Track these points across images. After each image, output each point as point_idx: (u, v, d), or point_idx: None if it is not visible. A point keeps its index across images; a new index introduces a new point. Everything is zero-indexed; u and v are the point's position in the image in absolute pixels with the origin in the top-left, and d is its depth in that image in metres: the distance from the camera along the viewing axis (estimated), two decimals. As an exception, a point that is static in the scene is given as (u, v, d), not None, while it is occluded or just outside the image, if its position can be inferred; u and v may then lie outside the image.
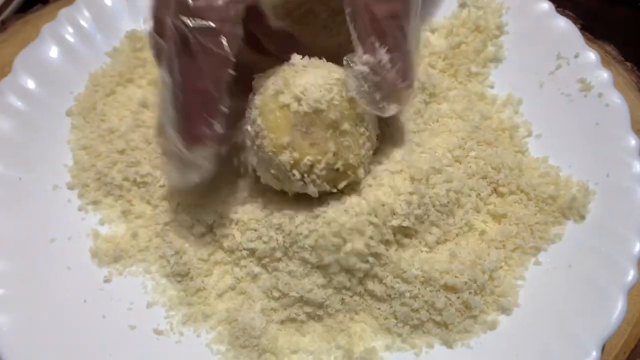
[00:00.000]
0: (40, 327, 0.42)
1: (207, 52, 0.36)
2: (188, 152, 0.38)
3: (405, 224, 0.42)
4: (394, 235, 0.42)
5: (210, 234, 0.45)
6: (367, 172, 0.43)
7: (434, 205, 0.43)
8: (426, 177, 0.43)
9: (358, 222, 0.41)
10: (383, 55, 0.37)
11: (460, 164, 0.46)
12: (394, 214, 0.42)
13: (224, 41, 0.36)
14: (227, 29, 0.36)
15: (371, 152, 0.43)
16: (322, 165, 0.39)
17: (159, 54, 0.41)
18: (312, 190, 0.41)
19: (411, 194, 0.42)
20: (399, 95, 0.40)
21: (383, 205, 0.41)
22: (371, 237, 0.41)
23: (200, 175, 0.40)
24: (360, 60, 0.38)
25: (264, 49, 0.44)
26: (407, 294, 0.41)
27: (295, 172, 0.39)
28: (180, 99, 0.37)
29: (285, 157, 0.39)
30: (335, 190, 0.42)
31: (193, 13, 0.35)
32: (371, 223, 0.41)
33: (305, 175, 0.40)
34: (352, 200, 0.42)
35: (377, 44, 0.37)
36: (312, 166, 0.39)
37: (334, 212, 0.41)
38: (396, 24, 0.38)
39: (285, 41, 0.45)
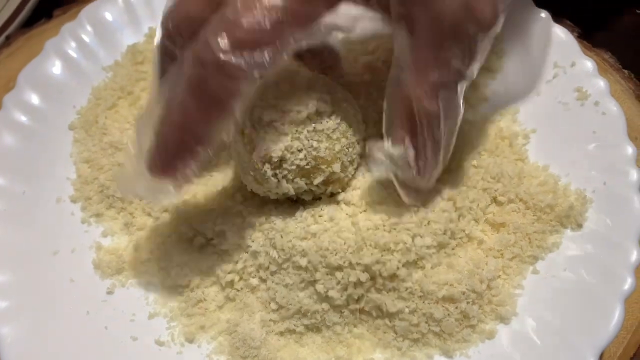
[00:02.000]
0: (43, 339, 0.42)
1: (217, 105, 0.34)
2: (152, 178, 0.37)
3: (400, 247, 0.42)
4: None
5: (210, 246, 0.45)
6: (351, 170, 0.44)
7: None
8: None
9: (352, 249, 0.41)
10: (410, 154, 0.38)
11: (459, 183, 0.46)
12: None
13: (235, 102, 0.34)
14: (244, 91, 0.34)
15: (353, 151, 0.43)
16: (291, 159, 0.40)
17: (162, 70, 0.39)
18: (286, 187, 0.41)
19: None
20: (419, 185, 0.40)
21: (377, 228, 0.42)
22: (366, 265, 0.41)
23: (163, 199, 0.39)
24: (385, 150, 0.39)
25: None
26: (406, 309, 0.42)
27: (266, 168, 0.40)
28: (166, 130, 0.36)
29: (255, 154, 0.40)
30: (316, 189, 0.43)
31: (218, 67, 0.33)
32: (366, 245, 0.41)
33: (277, 171, 0.41)
34: (342, 224, 0.42)
35: (407, 141, 0.37)
36: (281, 161, 0.40)
37: (328, 236, 0.42)
38: (432, 129, 0.37)
39: (328, 58, 0.45)
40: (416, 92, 0.36)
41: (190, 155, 0.36)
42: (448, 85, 0.36)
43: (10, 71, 0.57)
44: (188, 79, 0.34)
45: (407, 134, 0.37)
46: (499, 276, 0.43)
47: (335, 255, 0.41)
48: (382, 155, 0.39)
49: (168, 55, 0.38)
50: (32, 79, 0.53)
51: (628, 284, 0.40)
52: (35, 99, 0.52)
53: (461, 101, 0.38)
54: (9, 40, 0.62)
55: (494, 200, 0.46)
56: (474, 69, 0.37)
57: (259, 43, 0.33)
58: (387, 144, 0.39)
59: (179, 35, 0.37)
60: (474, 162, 0.47)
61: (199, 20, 0.35)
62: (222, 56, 0.32)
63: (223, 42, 0.32)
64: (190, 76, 0.34)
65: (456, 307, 0.41)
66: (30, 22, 0.64)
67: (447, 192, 0.44)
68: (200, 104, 0.34)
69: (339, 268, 0.41)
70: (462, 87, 0.37)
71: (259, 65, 0.33)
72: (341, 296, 0.42)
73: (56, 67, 0.54)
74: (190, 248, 0.45)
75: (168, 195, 0.38)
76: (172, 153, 0.36)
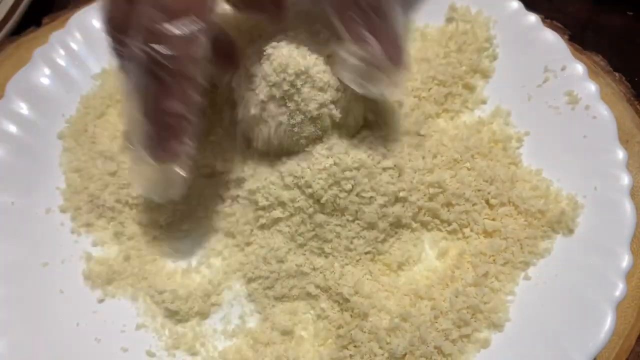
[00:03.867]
0: (34, 352, 0.42)
1: (178, 77, 0.36)
2: (158, 166, 0.39)
3: None
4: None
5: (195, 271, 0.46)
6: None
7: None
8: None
9: None
10: (373, 44, 0.38)
11: (453, 176, 0.46)
12: None
13: (192, 68, 0.36)
14: (196, 54, 0.36)
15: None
16: None
17: (124, 70, 0.40)
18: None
19: None
20: (393, 79, 0.40)
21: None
22: None
23: (175, 190, 0.41)
24: (351, 52, 0.39)
25: None
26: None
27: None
28: (151, 119, 0.37)
29: None
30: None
31: (162, 41, 0.35)
32: None
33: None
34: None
35: (365, 33, 0.37)
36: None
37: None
38: (381, 11, 0.37)
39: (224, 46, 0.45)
40: None
41: (180, 131, 0.37)
42: None
43: (-1, 80, 0.57)
44: (140, 64, 0.35)
45: (363, 27, 0.37)
46: (491, 283, 0.43)
47: None
48: (352, 57, 0.39)
49: (121, 56, 0.39)
50: (20, 88, 0.52)
51: (619, 289, 0.40)
52: (23, 109, 0.52)
53: None
54: (-3, 48, 0.61)
55: (487, 202, 0.46)
56: None
57: (190, 8, 0.35)
58: (350, 46, 0.38)
59: (120, 34, 0.38)
60: (467, 165, 0.47)
61: (123, 14, 0.37)
62: (165, 31, 0.34)
63: (159, 18, 0.34)
64: (142, 60, 0.35)
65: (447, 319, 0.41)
66: (19, 30, 0.63)
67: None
68: (166, 88, 0.36)
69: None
70: None
71: (198, 29, 0.35)
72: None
73: (45, 76, 0.54)
74: (175, 274, 0.46)
75: (177, 183, 0.40)
76: (162, 138, 0.38)
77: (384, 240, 0.45)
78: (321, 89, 0.42)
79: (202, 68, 0.36)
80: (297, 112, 0.42)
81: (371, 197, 0.43)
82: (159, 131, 0.38)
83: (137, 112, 0.37)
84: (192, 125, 0.38)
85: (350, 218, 0.44)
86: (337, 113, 0.43)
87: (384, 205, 0.44)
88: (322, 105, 0.42)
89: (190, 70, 0.36)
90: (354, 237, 0.44)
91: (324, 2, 0.38)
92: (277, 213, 0.44)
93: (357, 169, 0.43)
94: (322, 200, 0.43)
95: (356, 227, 0.44)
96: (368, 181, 0.43)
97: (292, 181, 0.43)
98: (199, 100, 0.37)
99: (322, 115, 0.43)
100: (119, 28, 0.38)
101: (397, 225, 0.45)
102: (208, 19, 0.36)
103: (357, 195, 0.43)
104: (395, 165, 0.44)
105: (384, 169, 0.44)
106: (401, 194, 0.44)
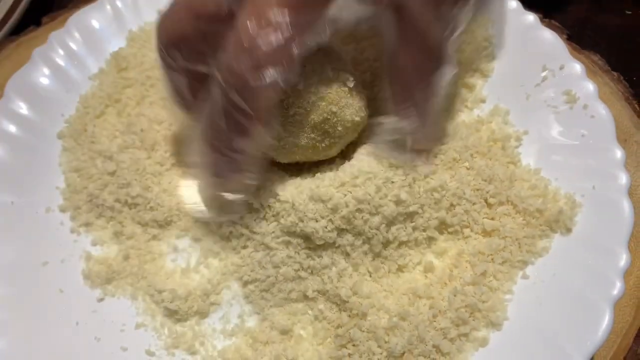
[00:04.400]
0: (34, 351, 0.42)
1: (254, 122, 0.37)
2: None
3: None
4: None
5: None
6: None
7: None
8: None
9: None
10: (413, 121, 0.42)
11: (453, 176, 0.46)
12: None
13: (269, 115, 0.37)
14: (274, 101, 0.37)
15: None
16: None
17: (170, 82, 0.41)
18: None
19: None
20: (423, 150, 0.45)
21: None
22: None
23: (233, 213, 0.44)
24: (394, 125, 0.42)
25: None
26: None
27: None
28: (217, 152, 0.38)
29: None
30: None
31: (245, 92, 0.35)
32: None
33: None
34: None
35: (411, 111, 0.41)
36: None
37: None
38: (428, 94, 0.41)
39: None
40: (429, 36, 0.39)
41: (246, 167, 0.39)
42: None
43: (-1, 80, 0.57)
44: (222, 107, 0.36)
45: (410, 104, 0.41)
46: (489, 282, 0.43)
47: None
48: (394, 131, 0.43)
49: (170, 67, 0.40)
50: (20, 88, 0.52)
51: (617, 288, 0.40)
52: (23, 108, 0.52)
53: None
54: (-3, 48, 0.61)
55: (486, 202, 0.46)
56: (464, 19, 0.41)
57: (279, 59, 0.35)
58: (395, 120, 0.42)
59: (177, 52, 0.39)
60: (466, 164, 0.47)
61: (196, 38, 0.37)
62: (251, 80, 0.34)
63: (248, 66, 0.34)
64: (224, 104, 0.36)
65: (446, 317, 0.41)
66: (19, 30, 0.63)
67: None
68: (236, 126, 0.36)
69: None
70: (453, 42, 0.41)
71: (284, 79, 0.35)
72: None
73: (44, 76, 0.54)
74: (174, 274, 0.46)
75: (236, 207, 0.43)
76: (225, 169, 0.40)
77: (387, 255, 0.45)
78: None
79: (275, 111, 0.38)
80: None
81: (367, 219, 0.43)
82: (223, 164, 0.39)
83: (202, 141, 0.39)
84: (258, 160, 0.40)
85: (351, 234, 0.44)
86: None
87: (387, 225, 0.43)
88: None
89: (267, 117, 0.37)
90: (352, 245, 0.44)
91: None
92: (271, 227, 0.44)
93: (357, 185, 0.43)
94: (318, 236, 0.43)
95: (358, 242, 0.44)
96: (369, 206, 0.43)
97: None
98: (271, 143, 0.39)
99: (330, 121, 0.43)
100: (184, 49, 0.39)
101: (405, 244, 0.45)
102: (294, 68, 0.36)
103: (355, 217, 0.43)
104: (401, 193, 0.44)
105: (387, 197, 0.43)
106: (411, 209, 0.44)
